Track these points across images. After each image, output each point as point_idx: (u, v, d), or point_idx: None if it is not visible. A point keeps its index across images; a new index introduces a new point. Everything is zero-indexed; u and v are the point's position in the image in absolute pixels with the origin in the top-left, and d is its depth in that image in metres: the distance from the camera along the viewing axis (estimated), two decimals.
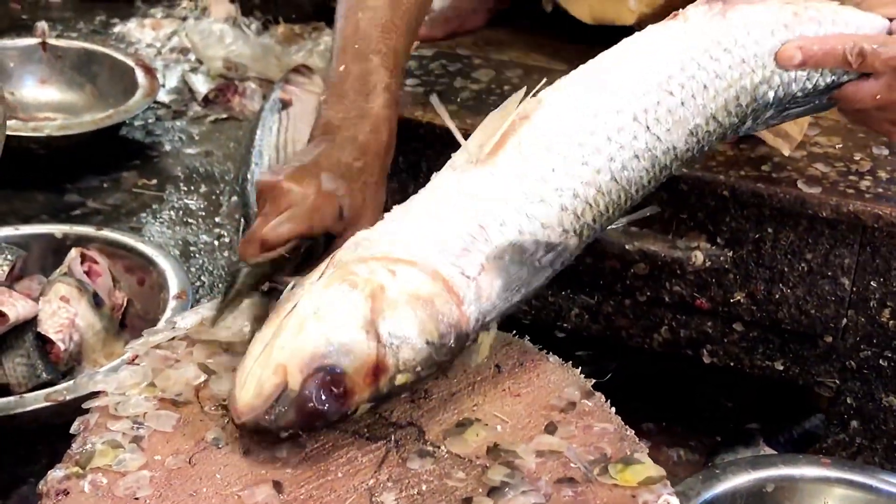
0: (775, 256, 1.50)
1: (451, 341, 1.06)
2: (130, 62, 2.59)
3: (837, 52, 1.20)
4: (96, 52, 2.67)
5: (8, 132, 2.24)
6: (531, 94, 1.19)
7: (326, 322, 1.02)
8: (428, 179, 1.62)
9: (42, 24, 2.71)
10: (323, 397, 1.00)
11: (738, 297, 1.54)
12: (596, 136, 1.14)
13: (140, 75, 2.52)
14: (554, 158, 1.13)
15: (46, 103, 2.61)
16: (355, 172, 1.26)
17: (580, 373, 1.17)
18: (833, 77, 1.24)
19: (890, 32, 1.26)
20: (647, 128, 1.15)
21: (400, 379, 1.04)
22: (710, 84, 1.18)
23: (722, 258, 1.52)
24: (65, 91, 2.64)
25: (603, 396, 1.13)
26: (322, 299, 1.04)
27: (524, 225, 1.11)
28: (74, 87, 2.64)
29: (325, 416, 1.02)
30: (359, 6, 1.42)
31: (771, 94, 1.22)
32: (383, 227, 1.14)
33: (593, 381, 1.15)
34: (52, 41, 2.67)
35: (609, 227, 1.21)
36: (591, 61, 1.23)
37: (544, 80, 1.20)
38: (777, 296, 1.52)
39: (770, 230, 1.49)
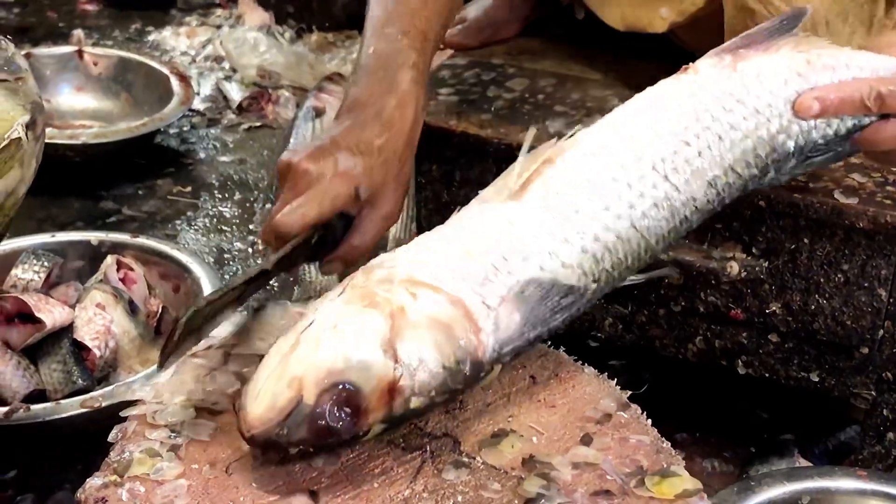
0: (811, 267, 1.49)
1: (467, 369, 1.04)
2: (165, 70, 2.61)
3: (855, 98, 1.19)
4: (132, 60, 2.70)
5: (45, 139, 2.27)
6: (558, 141, 1.20)
7: (345, 338, 1.01)
8: (460, 188, 1.64)
9: (78, 33, 2.74)
10: (337, 414, 0.99)
11: (774, 308, 1.54)
12: (618, 183, 1.14)
13: (175, 83, 2.54)
14: (578, 200, 1.13)
15: (82, 111, 2.63)
16: (375, 150, 1.25)
17: (615, 384, 1.17)
18: (854, 121, 1.22)
19: None
20: (666, 177, 1.15)
21: (414, 402, 1.02)
22: (725, 135, 1.17)
23: (757, 268, 1.51)
24: (100, 99, 2.66)
25: (639, 408, 1.13)
26: (341, 316, 1.03)
27: (546, 262, 1.10)
28: (110, 95, 2.66)
29: (338, 434, 1.00)
30: None
31: (791, 144, 1.20)
32: (407, 250, 1.13)
33: (629, 392, 1.15)
34: (88, 49, 2.70)
35: (628, 281, 1.20)
36: (615, 110, 1.23)
37: (578, 126, 1.20)
38: (813, 307, 1.51)
39: (806, 241, 1.48)
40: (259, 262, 2.10)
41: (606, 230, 1.13)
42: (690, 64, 1.24)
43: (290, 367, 0.99)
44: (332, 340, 1.01)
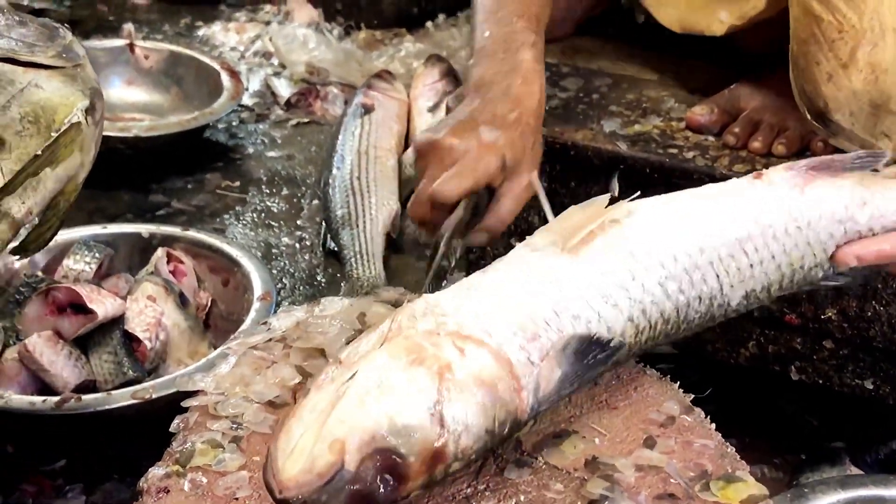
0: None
1: (507, 430, 1.00)
2: (216, 65, 2.62)
3: (891, 254, 1.19)
4: (182, 54, 2.70)
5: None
6: (619, 202, 1.18)
7: (391, 399, 0.95)
8: None
9: (129, 26, 2.75)
10: (379, 481, 0.93)
11: (830, 314, 1.52)
12: (678, 264, 1.13)
13: (225, 78, 2.55)
14: (636, 269, 1.11)
15: (133, 104, 2.64)
16: (511, 122, 1.30)
17: (678, 386, 1.16)
18: None
19: None
20: (718, 276, 1.15)
21: (455, 466, 0.98)
22: (778, 257, 1.18)
23: None
24: (151, 93, 2.67)
25: (702, 412, 1.12)
26: (387, 372, 0.97)
27: (594, 323, 1.07)
28: (160, 89, 2.67)
29: (377, 501, 0.93)
30: None
31: (819, 274, 1.21)
32: (454, 296, 1.08)
33: (692, 395, 1.14)
34: (139, 43, 2.71)
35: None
36: (685, 191, 1.22)
37: (637, 193, 1.19)
38: (869, 313, 1.50)
39: None
40: (306, 257, 2.11)
41: (654, 304, 1.11)
42: (764, 171, 1.23)
43: (331, 427, 0.93)
44: (377, 400, 0.95)
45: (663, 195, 1.21)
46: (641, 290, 1.11)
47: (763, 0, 1.55)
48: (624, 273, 1.11)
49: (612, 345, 1.06)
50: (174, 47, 2.76)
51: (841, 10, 1.38)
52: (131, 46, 2.68)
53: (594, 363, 1.06)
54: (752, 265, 1.16)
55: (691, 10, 1.70)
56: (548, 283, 1.08)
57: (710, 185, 1.23)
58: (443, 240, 1.26)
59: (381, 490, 0.92)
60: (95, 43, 2.72)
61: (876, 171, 1.23)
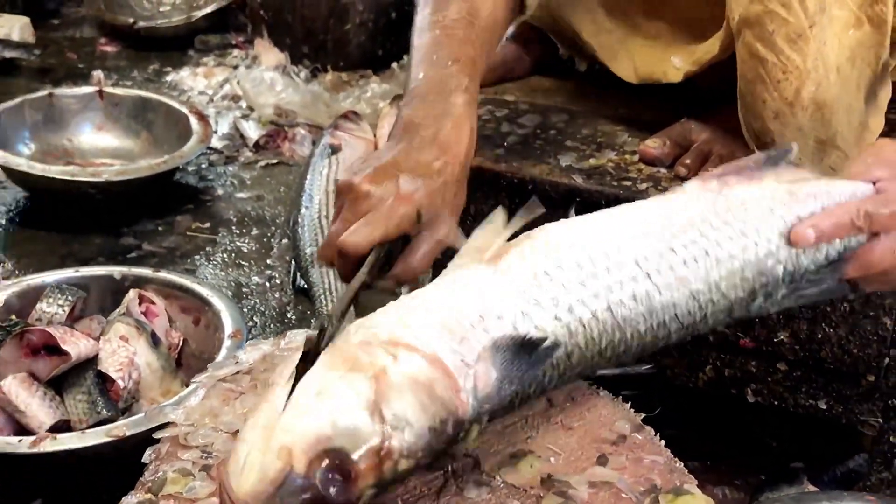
0: None
1: (450, 428, 1.02)
2: (184, 109, 2.66)
3: (845, 221, 1.19)
4: (151, 99, 2.75)
5: (67, 177, 2.32)
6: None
7: (331, 404, 0.97)
8: (475, 221, 1.66)
9: (98, 73, 2.79)
10: (329, 480, 0.94)
11: (782, 337, 1.56)
12: (596, 264, 1.13)
13: (194, 122, 2.59)
14: (552, 270, 1.12)
15: (103, 149, 2.69)
16: (435, 171, 1.27)
17: (629, 407, 1.20)
18: (842, 245, 1.21)
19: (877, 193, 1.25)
20: (648, 275, 1.14)
21: (402, 465, 0.99)
22: (712, 251, 1.16)
23: None
24: (121, 138, 2.71)
25: (652, 430, 1.17)
26: (325, 381, 0.99)
27: (519, 322, 1.09)
28: (130, 134, 2.72)
29: (331, 501, 0.95)
30: (435, 24, 1.47)
31: (780, 269, 1.19)
32: (386, 313, 1.11)
33: (643, 415, 1.18)
34: (108, 89, 2.75)
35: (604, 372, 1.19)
36: (602, 210, 1.23)
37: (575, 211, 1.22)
38: (820, 335, 1.54)
39: None
40: (276, 295, 2.14)
41: (581, 304, 1.11)
42: (679, 185, 1.26)
43: (277, 437, 0.95)
44: (318, 407, 0.97)
45: (586, 215, 1.22)
46: (562, 288, 1.11)
47: (716, 45, 1.57)
48: (541, 274, 1.11)
49: (545, 344, 1.08)
50: (143, 93, 2.80)
51: (785, 52, 1.41)
52: (100, 93, 2.72)
53: (532, 363, 1.07)
54: (684, 261, 1.15)
55: (645, 60, 1.74)
56: (470, 289, 1.11)
57: (627, 204, 1.24)
58: (348, 286, 1.22)
59: (332, 490, 0.94)
60: (66, 90, 2.75)
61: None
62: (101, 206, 2.40)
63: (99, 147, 2.69)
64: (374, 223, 1.22)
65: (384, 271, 1.29)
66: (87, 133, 2.70)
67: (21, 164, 2.40)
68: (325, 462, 0.95)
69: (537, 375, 1.09)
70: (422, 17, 1.51)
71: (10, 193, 2.53)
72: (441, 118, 1.33)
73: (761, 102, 1.46)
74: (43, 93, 2.71)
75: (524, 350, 1.07)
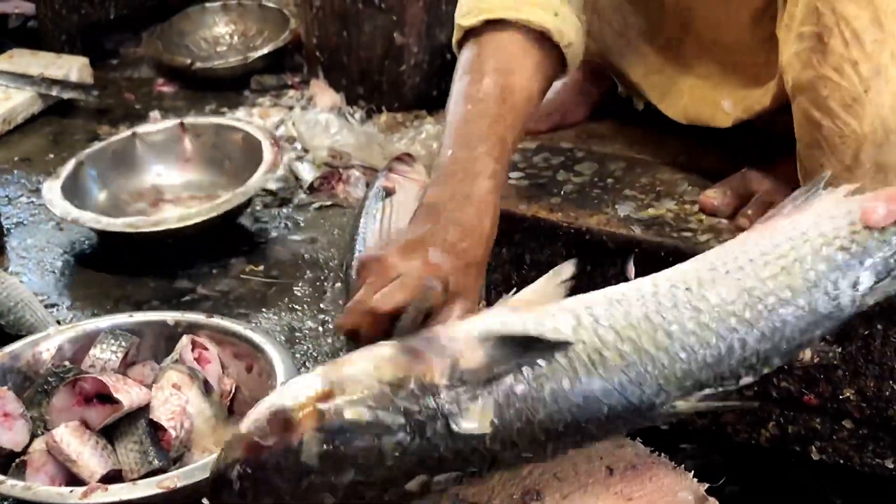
0: (885, 352, 1.49)
1: (413, 385, 1.11)
2: (259, 135, 2.66)
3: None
4: (228, 126, 2.78)
5: (131, 230, 2.36)
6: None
7: (285, 388, 1.17)
8: (530, 270, 1.66)
9: (155, 114, 2.81)
10: (267, 430, 1.11)
11: (848, 394, 1.53)
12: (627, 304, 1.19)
13: (266, 147, 2.59)
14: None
15: (187, 183, 2.73)
16: (461, 251, 1.29)
17: (692, 475, 1.17)
18: None
19: None
20: (692, 305, 1.17)
21: (350, 412, 1.10)
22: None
23: (830, 354, 1.50)
24: (203, 171, 2.74)
25: (717, 501, 1.13)
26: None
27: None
28: (213, 165, 2.74)
29: (271, 449, 1.11)
30: (468, 99, 1.47)
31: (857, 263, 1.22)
32: None
33: (707, 485, 1.15)
34: (189, 120, 2.79)
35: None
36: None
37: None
38: (887, 392, 1.51)
39: (879, 326, 1.48)
40: (329, 340, 2.13)
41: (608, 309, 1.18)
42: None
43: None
44: (276, 394, 1.17)
45: None
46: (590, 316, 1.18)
47: (768, 97, 1.56)
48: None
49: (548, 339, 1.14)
50: (220, 120, 2.85)
51: (841, 116, 1.38)
52: (182, 126, 2.74)
53: (531, 350, 1.13)
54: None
55: (695, 101, 1.72)
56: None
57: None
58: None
59: (270, 438, 1.11)
60: (149, 127, 2.78)
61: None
62: (156, 249, 2.41)
63: (184, 181, 2.73)
64: (405, 287, 1.22)
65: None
66: (173, 169, 2.74)
67: (88, 220, 2.42)
68: (263, 417, 1.13)
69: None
70: (458, 88, 1.51)
71: (67, 235, 2.55)
72: (464, 202, 1.34)
73: (819, 166, 1.43)
74: (126, 133, 2.75)
75: (520, 342, 1.14)
